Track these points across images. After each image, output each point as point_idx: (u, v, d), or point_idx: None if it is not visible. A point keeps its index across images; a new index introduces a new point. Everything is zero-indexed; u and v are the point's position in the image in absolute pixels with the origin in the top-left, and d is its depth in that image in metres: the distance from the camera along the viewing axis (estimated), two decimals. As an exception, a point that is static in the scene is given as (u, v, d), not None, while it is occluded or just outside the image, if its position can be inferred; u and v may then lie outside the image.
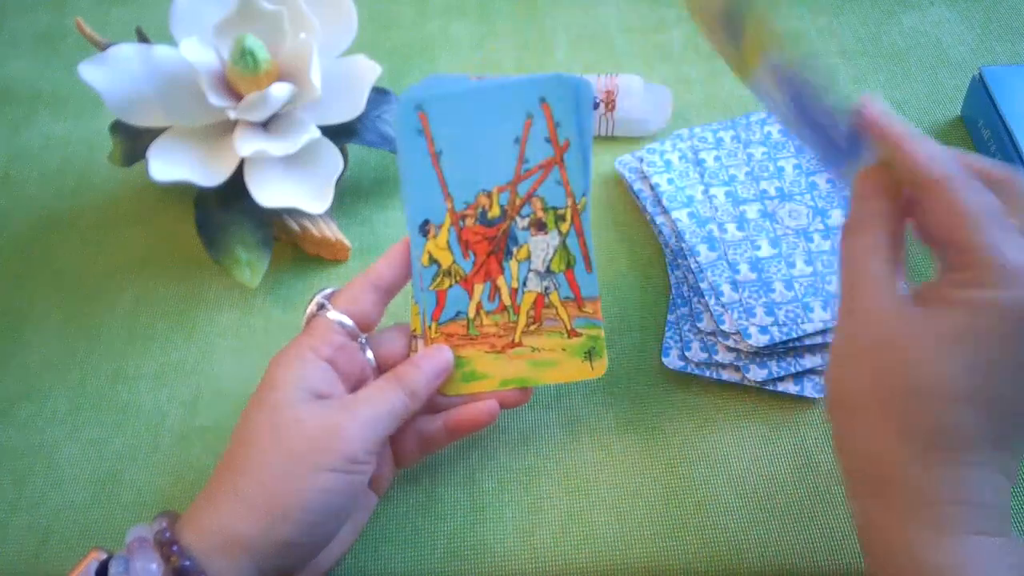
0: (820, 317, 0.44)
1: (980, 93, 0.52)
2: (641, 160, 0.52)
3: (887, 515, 0.31)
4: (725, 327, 0.44)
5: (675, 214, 0.49)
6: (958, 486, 0.29)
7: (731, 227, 0.48)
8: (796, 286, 0.45)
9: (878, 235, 0.32)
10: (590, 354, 0.40)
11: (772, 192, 0.49)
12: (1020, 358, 0.29)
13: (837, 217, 0.48)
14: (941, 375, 0.29)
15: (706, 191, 0.50)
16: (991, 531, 0.29)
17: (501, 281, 0.41)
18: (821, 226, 0.48)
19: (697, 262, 0.47)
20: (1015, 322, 0.29)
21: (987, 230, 0.30)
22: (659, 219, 0.50)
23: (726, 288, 0.45)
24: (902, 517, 0.30)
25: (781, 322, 0.44)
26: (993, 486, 0.30)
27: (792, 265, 0.46)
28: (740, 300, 0.45)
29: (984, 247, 0.29)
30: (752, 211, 0.49)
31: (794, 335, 0.43)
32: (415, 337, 0.41)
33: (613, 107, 0.55)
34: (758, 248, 0.47)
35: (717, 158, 0.51)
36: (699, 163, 0.51)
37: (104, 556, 0.34)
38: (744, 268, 0.46)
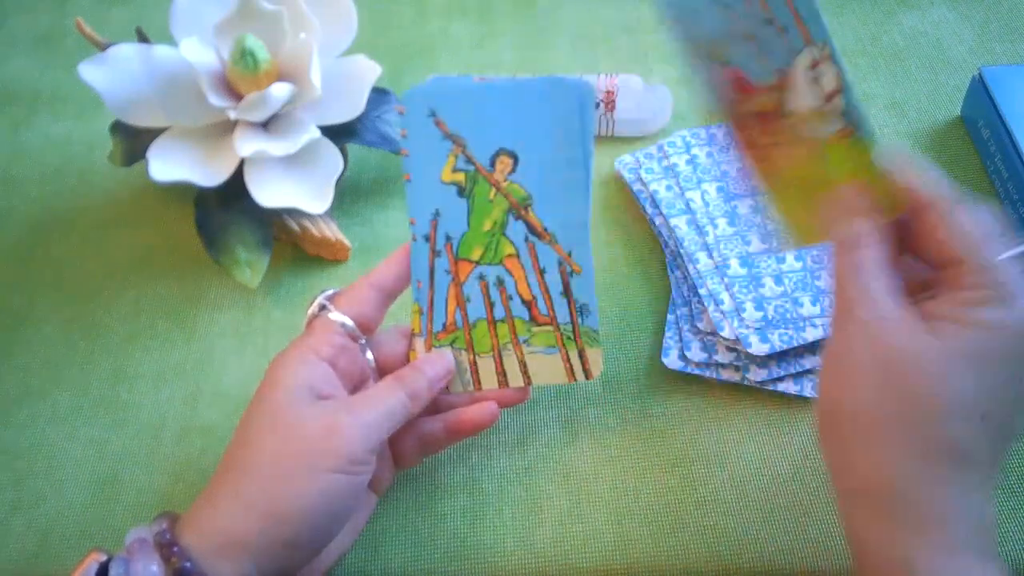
0: (810, 312, 0.44)
1: (980, 93, 0.52)
2: (639, 164, 0.52)
3: (887, 533, 0.30)
4: (724, 333, 0.44)
5: (673, 221, 0.49)
6: (966, 506, 0.29)
7: (722, 222, 0.48)
8: (786, 281, 0.46)
9: (876, 249, 0.32)
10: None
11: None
12: (1021, 377, 0.30)
13: None
14: (955, 394, 0.29)
15: (699, 188, 0.50)
16: (991, 554, 0.29)
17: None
18: None
19: (696, 269, 0.47)
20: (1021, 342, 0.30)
21: (993, 251, 0.30)
22: (658, 220, 0.50)
23: (725, 296, 0.45)
24: (905, 536, 0.30)
25: (771, 318, 0.44)
26: (990, 509, 0.30)
27: (782, 260, 0.46)
28: (736, 308, 0.45)
29: (993, 269, 0.30)
30: (743, 207, 0.49)
31: (795, 343, 0.43)
32: (415, 336, 0.41)
33: (613, 107, 0.55)
34: (748, 243, 0.47)
35: (709, 154, 0.51)
36: (692, 160, 0.51)
37: (104, 558, 0.34)
38: (734, 264, 0.46)
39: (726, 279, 0.46)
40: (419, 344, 0.41)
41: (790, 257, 0.46)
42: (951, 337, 0.30)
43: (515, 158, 0.40)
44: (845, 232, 0.33)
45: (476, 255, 0.41)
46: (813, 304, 0.45)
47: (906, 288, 0.32)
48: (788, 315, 0.44)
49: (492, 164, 0.41)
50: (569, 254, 0.41)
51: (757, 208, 0.48)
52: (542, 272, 0.41)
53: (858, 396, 0.31)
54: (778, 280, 0.46)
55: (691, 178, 0.50)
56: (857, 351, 0.31)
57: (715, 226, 0.48)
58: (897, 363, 0.30)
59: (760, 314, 0.44)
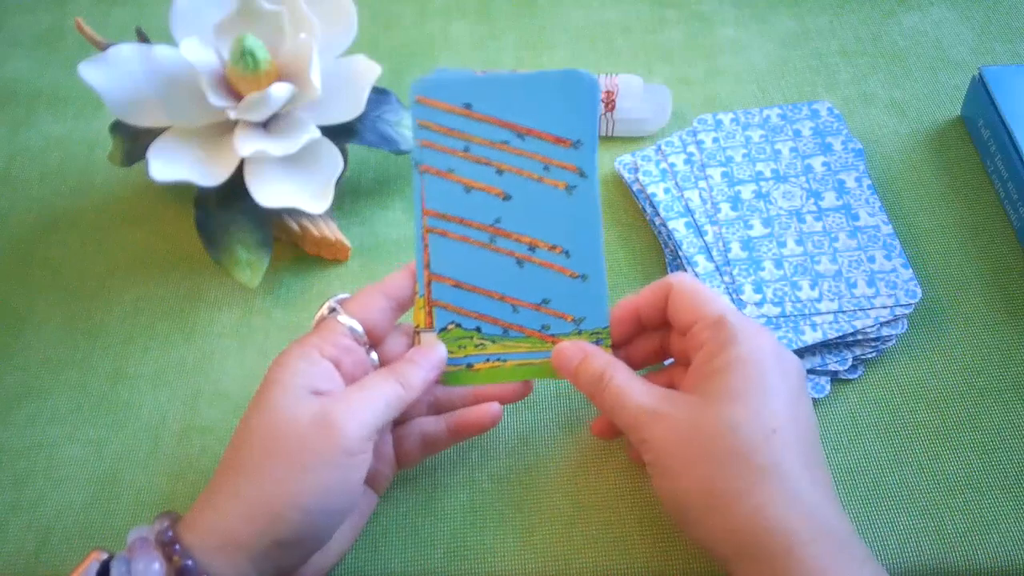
0: (808, 296, 0.45)
1: (980, 93, 0.52)
2: (638, 166, 0.52)
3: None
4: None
5: (672, 224, 0.49)
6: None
7: (725, 207, 0.48)
8: (785, 265, 0.46)
9: (620, 370, 0.38)
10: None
11: (767, 174, 0.50)
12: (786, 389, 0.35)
13: (831, 199, 0.48)
14: (733, 426, 0.34)
15: (696, 186, 0.50)
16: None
17: None
18: (814, 208, 0.48)
19: (695, 272, 0.47)
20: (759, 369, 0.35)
21: (715, 308, 0.37)
22: (657, 221, 0.50)
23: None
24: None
25: (770, 299, 0.45)
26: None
27: (783, 245, 0.47)
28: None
29: (718, 320, 0.36)
30: (747, 192, 0.49)
31: (794, 347, 0.43)
32: (418, 332, 0.41)
33: (613, 107, 0.55)
34: (750, 227, 0.48)
35: (715, 139, 0.51)
36: (698, 144, 0.51)
37: (105, 557, 0.34)
38: (735, 247, 0.47)
39: (726, 278, 0.46)
40: (423, 339, 0.41)
41: (791, 241, 0.47)
42: (710, 391, 0.35)
43: None
44: (589, 373, 0.38)
45: None
46: (812, 288, 0.45)
47: (649, 355, 0.41)
48: (788, 298, 0.45)
49: None
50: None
51: (760, 194, 0.49)
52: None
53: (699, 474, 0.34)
54: (778, 264, 0.46)
55: (689, 176, 0.50)
56: (675, 442, 0.35)
57: (714, 223, 0.48)
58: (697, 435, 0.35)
59: (759, 296, 0.45)
